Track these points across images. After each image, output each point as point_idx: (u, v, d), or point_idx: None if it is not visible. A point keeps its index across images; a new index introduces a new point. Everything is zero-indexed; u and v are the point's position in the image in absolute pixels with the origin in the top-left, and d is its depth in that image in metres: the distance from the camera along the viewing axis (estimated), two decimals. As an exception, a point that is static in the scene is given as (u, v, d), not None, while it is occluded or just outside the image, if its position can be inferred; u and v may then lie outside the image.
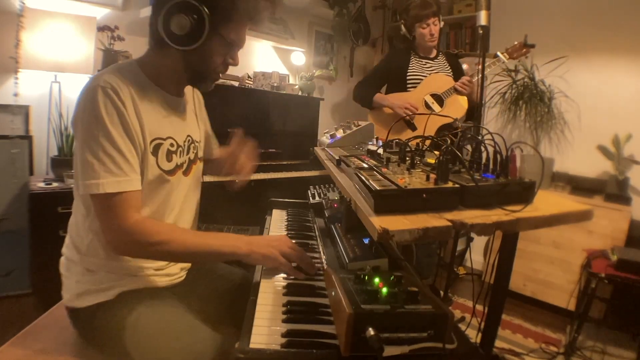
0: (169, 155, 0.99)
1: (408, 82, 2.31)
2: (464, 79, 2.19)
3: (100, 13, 2.19)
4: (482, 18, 1.74)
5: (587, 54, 2.76)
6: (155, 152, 0.95)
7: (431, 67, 2.33)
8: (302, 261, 0.96)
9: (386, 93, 2.39)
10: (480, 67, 1.67)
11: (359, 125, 1.71)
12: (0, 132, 1.95)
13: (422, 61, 2.34)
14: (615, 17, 2.65)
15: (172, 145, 1.00)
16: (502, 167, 0.84)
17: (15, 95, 1.99)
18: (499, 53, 2.16)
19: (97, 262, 0.95)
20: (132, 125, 0.88)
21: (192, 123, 1.13)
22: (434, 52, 2.37)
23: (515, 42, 2.14)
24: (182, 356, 0.86)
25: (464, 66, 3.14)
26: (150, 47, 0.99)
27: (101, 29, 2.09)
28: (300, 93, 2.92)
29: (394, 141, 1.30)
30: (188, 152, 1.08)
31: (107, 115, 0.84)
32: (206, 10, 0.89)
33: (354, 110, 3.83)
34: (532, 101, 2.84)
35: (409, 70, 2.31)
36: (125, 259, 0.96)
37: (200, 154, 1.16)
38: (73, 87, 2.15)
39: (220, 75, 1.03)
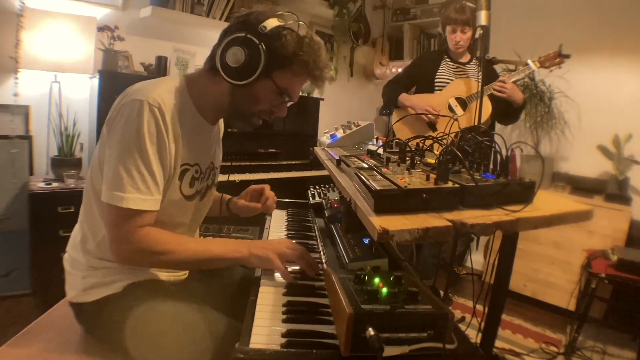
0: (192, 181, 1.00)
1: (436, 84, 2.31)
2: (498, 82, 2.11)
3: (100, 13, 2.19)
4: (482, 18, 1.74)
5: (587, 54, 2.75)
6: (181, 177, 0.96)
7: (462, 71, 2.31)
8: (302, 262, 0.96)
9: (415, 94, 2.40)
10: (480, 67, 1.66)
11: (359, 125, 1.71)
12: (0, 132, 1.95)
13: (452, 65, 2.33)
14: (616, 17, 2.65)
15: (196, 172, 1.01)
16: (502, 167, 0.84)
17: (15, 95, 1.99)
18: (529, 61, 2.08)
19: (104, 262, 0.96)
20: (169, 149, 0.89)
21: (217, 150, 1.14)
22: (467, 57, 2.35)
23: (550, 52, 2.05)
24: (184, 353, 0.86)
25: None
26: (204, 68, 0.98)
27: (101, 29, 2.10)
28: (300, 93, 2.92)
29: (394, 141, 1.30)
30: (207, 179, 1.09)
31: (148, 134, 0.85)
32: (264, 50, 0.88)
33: (354, 110, 3.84)
34: (532, 101, 2.84)
35: (438, 73, 2.31)
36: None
37: (217, 180, 1.17)
38: (73, 87, 2.15)
39: (259, 122, 1.01)
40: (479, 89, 2.13)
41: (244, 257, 0.93)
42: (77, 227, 1.03)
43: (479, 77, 2.27)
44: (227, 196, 1.32)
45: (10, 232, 1.91)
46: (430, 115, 2.18)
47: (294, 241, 1.01)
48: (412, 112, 2.27)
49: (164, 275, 1.03)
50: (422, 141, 1.14)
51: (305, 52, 0.91)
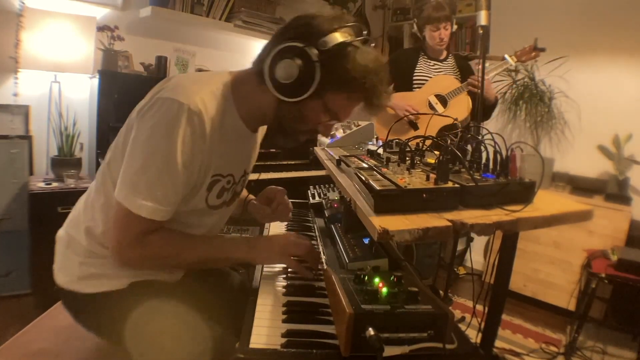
0: (222, 192, 0.95)
1: (414, 82, 2.31)
2: (472, 77, 2.16)
3: (100, 13, 2.19)
4: (482, 18, 1.73)
5: (587, 54, 2.75)
6: (210, 187, 0.90)
7: (439, 68, 2.33)
8: (309, 257, 0.95)
9: (393, 92, 2.39)
10: (480, 67, 1.66)
11: (359, 125, 1.71)
12: (0, 132, 1.95)
13: (430, 62, 2.34)
14: (616, 17, 2.65)
15: (228, 182, 0.95)
16: (502, 167, 0.84)
17: (15, 95, 1.99)
18: (506, 56, 2.13)
19: (107, 251, 0.89)
20: (201, 160, 0.83)
21: (253, 158, 1.09)
22: (444, 54, 2.37)
23: (525, 46, 2.10)
24: (184, 353, 0.86)
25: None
26: (251, 70, 0.89)
27: (101, 28, 2.10)
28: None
29: (394, 141, 1.30)
30: (237, 186, 1.03)
31: (181, 142, 0.78)
32: (321, 69, 0.79)
33: (354, 110, 3.83)
34: (532, 101, 2.84)
35: (415, 71, 2.32)
36: None
37: (244, 184, 1.11)
38: (73, 87, 2.15)
39: (304, 139, 0.93)
40: (459, 85, 2.18)
41: (250, 256, 0.92)
42: (82, 205, 0.96)
43: (458, 73, 2.31)
44: (251, 196, 1.24)
45: (10, 232, 1.91)
46: (411, 116, 2.18)
47: (297, 234, 0.99)
48: (391, 112, 2.28)
49: (163, 275, 1.00)
50: (422, 141, 1.14)
51: (367, 78, 0.81)
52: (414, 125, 2.24)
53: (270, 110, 0.88)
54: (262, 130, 1.06)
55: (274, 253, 0.92)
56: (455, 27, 2.29)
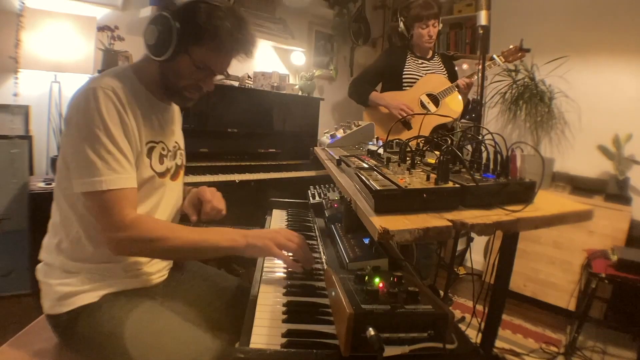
0: (161, 158, 1.01)
1: (404, 81, 2.31)
2: (465, 79, 2.19)
3: (100, 13, 2.19)
4: (482, 18, 1.74)
5: (587, 54, 2.76)
6: (149, 154, 0.97)
7: (427, 67, 2.34)
8: (300, 253, 0.95)
9: (382, 91, 2.39)
10: (480, 67, 1.67)
11: (359, 125, 1.71)
12: (0, 132, 1.95)
13: (418, 61, 2.34)
14: (616, 17, 2.65)
15: (163, 149, 1.02)
16: (503, 167, 0.84)
17: (15, 95, 1.99)
18: (495, 56, 2.16)
19: (79, 265, 0.93)
20: (131, 128, 0.90)
21: (178, 131, 1.15)
22: (430, 53, 2.38)
23: (511, 46, 2.15)
24: (178, 357, 0.86)
25: (465, 66, 3.15)
26: (145, 53, 0.99)
27: (101, 29, 2.09)
28: (300, 93, 2.92)
29: (394, 141, 1.30)
30: (175, 158, 1.09)
31: (108, 115, 0.85)
32: (177, 26, 0.88)
33: (354, 110, 3.83)
34: (533, 101, 2.84)
35: (405, 69, 2.32)
36: (112, 260, 0.93)
37: (184, 162, 1.16)
38: (73, 87, 2.14)
39: (194, 96, 1.01)
40: (450, 85, 2.21)
41: (240, 246, 0.91)
42: (48, 233, 1.01)
43: (445, 72, 2.33)
44: (189, 188, 1.20)
45: (10, 232, 1.91)
46: (404, 114, 2.19)
47: (292, 230, 0.99)
48: (385, 111, 2.28)
49: (141, 279, 1.00)
50: (421, 141, 1.14)
51: (216, 24, 0.89)
52: (407, 125, 2.25)
53: (158, 76, 0.98)
54: (177, 108, 1.16)
55: (264, 239, 0.92)
56: (441, 25, 2.31)
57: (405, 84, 2.31)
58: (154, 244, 0.87)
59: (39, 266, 1.00)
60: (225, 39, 0.91)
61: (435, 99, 2.24)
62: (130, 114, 0.90)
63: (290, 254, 0.95)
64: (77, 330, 0.91)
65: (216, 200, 1.11)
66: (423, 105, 2.24)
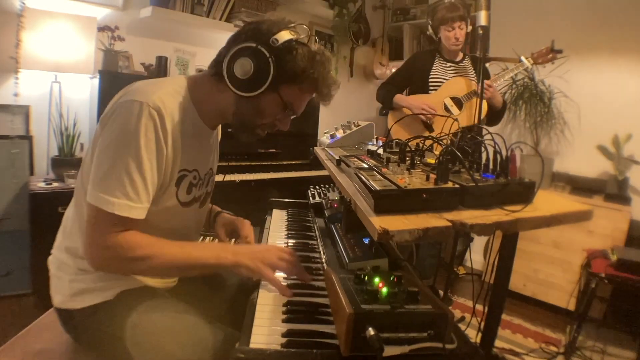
0: (190, 188, 0.98)
1: (430, 84, 2.30)
2: (485, 83, 2.15)
3: (101, 13, 2.19)
4: (482, 18, 1.74)
5: (587, 54, 2.76)
6: (178, 183, 0.93)
7: (455, 70, 2.31)
8: (294, 272, 0.93)
9: (409, 95, 2.39)
10: (479, 68, 1.66)
11: (359, 125, 1.71)
12: (0, 132, 1.95)
13: (446, 64, 2.32)
14: (616, 17, 2.65)
15: (194, 177, 0.99)
16: (502, 167, 0.84)
17: (15, 95, 1.99)
18: (523, 58, 2.10)
19: None
20: (166, 154, 0.86)
21: (215, 156, 1.13)
22: (460, 56, 2.35)
23: (542, 47, 2.08)
24: (183, 356, 0.86)
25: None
26: (208, 73, 0.96)
27: (101, 29, 2.10)
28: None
29: (394, 141, 1.30)
30: (207, 185, 1.07)
31: (144, 138, 0.81)
32: (274, 64, 0.87)
33: (354, 110, 3.84)
34: (532, 101, 2.84)
35: (431, 73, 2.31)
36: None
37: (213, 185, 1.14)
38: (73, 87, 2.15)
39: (264, 134, 1.00)
40: (474, 88, 2.16)
41: (229, 264, 0.88)
42: (63, 228, 0.99)
43: (474, 75, 2.30)
44: (217, 208, 1.25)
45: (11, 232, 1.91)
46: (427, 115, 2.17)
47: (285, 247, 0.97)
48: (408, 112, 2.27)
49: (154, 281, 1.00)
50: (422, 141, 1.15)
51: (315, 69, 0.90)
52: (428, 127, 2.23)
53: (230, 108, 0.94)
54: (219, 131, 1.14)
55: (255, 260, 0.88)
56: (470, 27, 2.27)
57: (432, 88, 2.29)
58: (136, 264, 0.83)
59: (51, 258, 0.99)
60: (322, 84, 0.93)
61: (459, 102, 2.21)
62: (169, 140, 0.86)
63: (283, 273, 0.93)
64: (92, 327, 0.91)
65: (251, 237, 1.15)
66: (446, 108, 2.22)
